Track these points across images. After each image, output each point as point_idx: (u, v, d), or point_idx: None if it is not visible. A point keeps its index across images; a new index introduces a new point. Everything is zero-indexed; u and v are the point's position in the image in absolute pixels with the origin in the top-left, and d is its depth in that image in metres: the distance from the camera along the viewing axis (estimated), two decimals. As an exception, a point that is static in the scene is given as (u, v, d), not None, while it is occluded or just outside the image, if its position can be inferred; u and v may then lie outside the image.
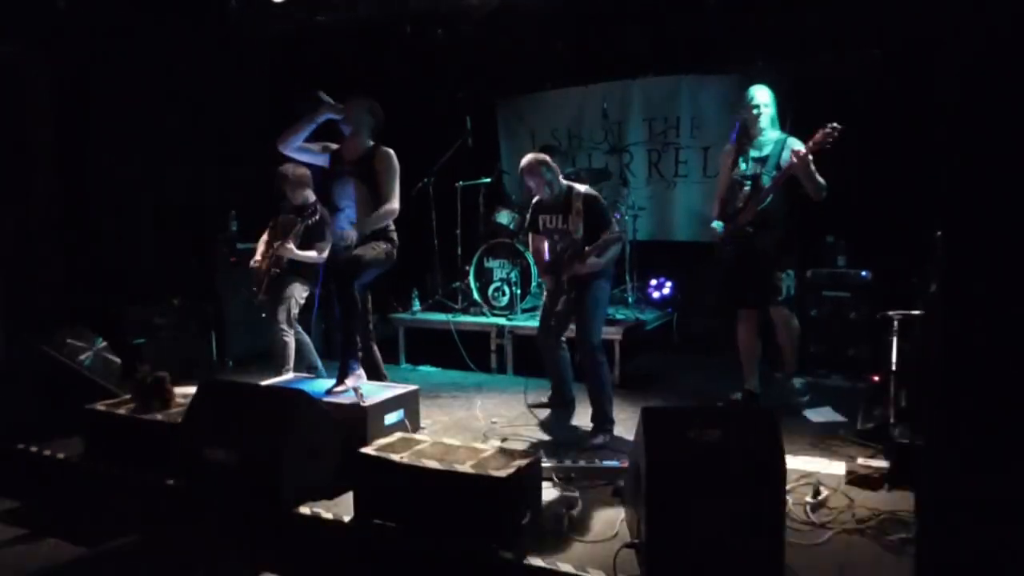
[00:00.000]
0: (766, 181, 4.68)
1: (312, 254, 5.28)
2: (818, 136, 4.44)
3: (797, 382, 5.07)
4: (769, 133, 4.79)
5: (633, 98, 7.43)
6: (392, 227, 4.70)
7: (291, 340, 5.35)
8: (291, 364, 5.33)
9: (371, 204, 4.56)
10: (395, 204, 4.59)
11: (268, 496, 3.54)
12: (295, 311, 5.40)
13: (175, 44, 6.45)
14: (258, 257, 5.47)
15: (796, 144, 4.62)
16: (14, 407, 4.78)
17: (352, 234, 4.47)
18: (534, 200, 4.90)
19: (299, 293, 5.39)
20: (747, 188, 4.78)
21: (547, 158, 4.78)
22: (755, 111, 4.76)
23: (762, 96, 4.78)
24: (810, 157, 4.48)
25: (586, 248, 4.52)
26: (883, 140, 5.99)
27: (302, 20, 6.51)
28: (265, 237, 5.53)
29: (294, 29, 6.63)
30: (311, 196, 5.41)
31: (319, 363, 5.48)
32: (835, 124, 4.38)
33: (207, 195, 6.77)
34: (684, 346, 6.71)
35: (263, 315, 5.53)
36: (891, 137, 5.90)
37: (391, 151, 4.65)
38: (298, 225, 5.25)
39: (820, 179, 4.57)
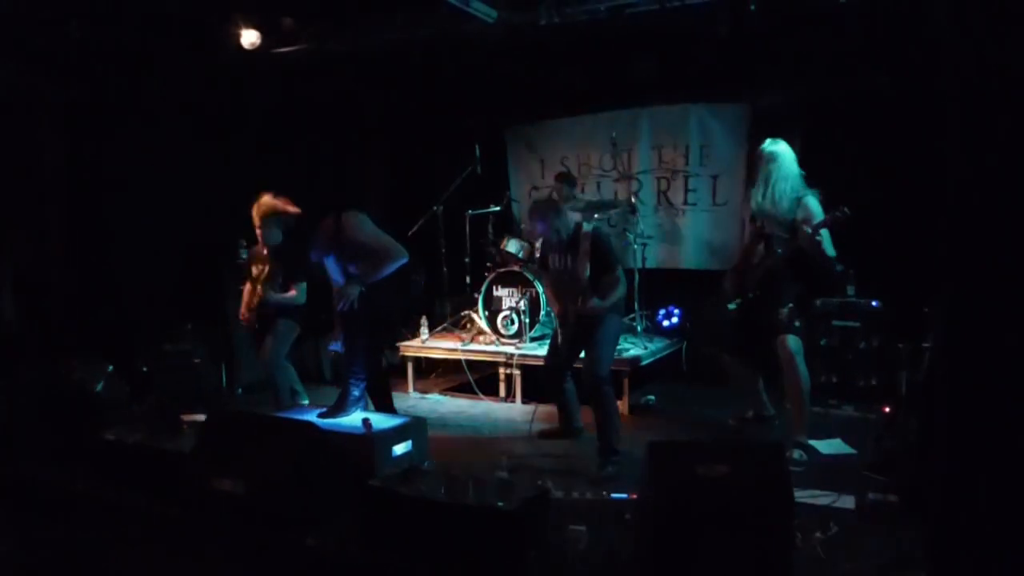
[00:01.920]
0: (778, 247, 4.62)
1: (291, 294, 5.27)
2: (827, 220, 4.35)
3: (796, 453, 4.49)
4: (786, 189, 4.62)
5: (642, 126, 7.45)
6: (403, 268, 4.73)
7: (284, 377, 5.41)
8: (288, 400, 5.39)
9: (372, 260, 4.62)
10: (387, 248, 4.62)
11: (275, 526, 3.54)
12: (285, 351, 5.43)
13: (186, 72, 6.52)
14: (244, 310, 5.46)
15: (812, 202, 4.53)
16: (24, 433, 4.80)
17: (353, 291, 4.54)
18: (542, 239, 4.92)
19: (289, 333, 5.39)
20: (761, 247, 4.74)
21: (557, 203, 4.76)
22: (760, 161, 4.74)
23: (769, 148, 4.73)
24: (818, 237, 4.37)
25: (585, 296, 4.57)
26: (893, 167, 6.00)
27: (313, 49, 6.58)
28: (247, 288, 5.51)
29: (305, 57, 6.70)
30: (279, 236, 5.29)
31: (300, 387, 5.63)
32: (845, 208, 4.29)
33: (217, 222, 6.81)
34: (693, 375, 6.68)
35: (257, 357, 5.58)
36: (901, 164, 5.90)
37: (352, 214, 4.67)
38: (274, 271, 5.28)
39: (828, 255, 4.44)
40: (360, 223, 4.65)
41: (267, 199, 5.20)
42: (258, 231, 5.30)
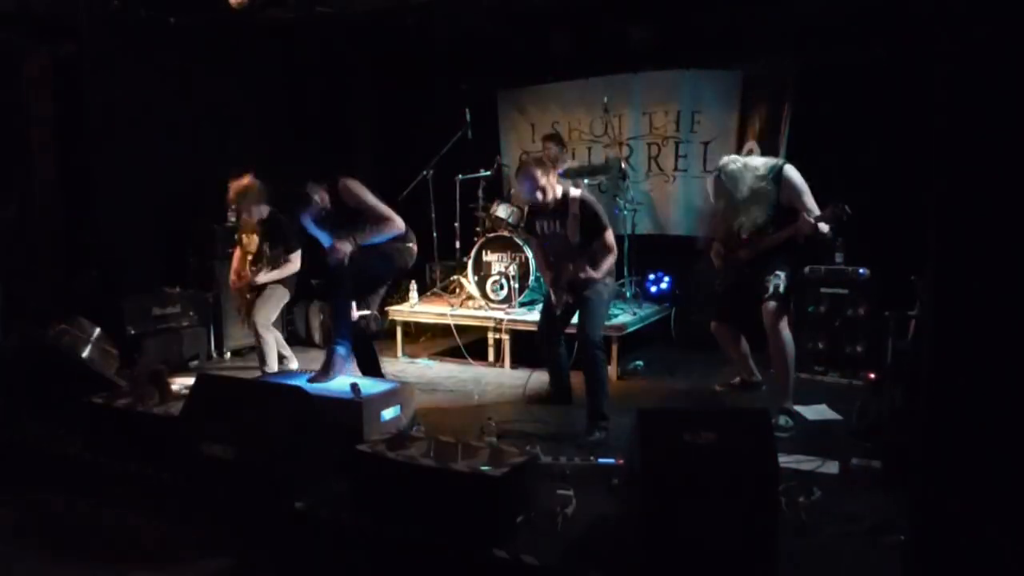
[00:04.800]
0: (770, 226, 4.59)
1: (286, 270, 5.40)
2: (827, 213, 4.34)
3: (782, 419, 4.52)
4: (760, 165, 4.59)
5: (633, 91, 7.40)
6: (399, 238, 4.73)
7: (272, 340, 5.48)
8: (275, 364, 5.43)
9: (369, 223, 4.63)
10: (388, 215, 4.63)
11: (264, 491, 3.56)
12: (274, 316, 5.50)
13: (175, 34, 6.43)
14: (234, 277, 5.59)
15: (792, 174, 4.51)
16: (12, 398, 4.79)
17: (346, 247, 4.52)
18: (529, 204, 4.90)
19: (280, 299, 5.50)
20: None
21: (542, 161, 4.72)
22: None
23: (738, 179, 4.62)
24: (821, 224, 4.37)
25: (577, 263, 4.58)
26: (883, 136, 5.99)
27: (303, 10, 6.49)
28: (237, 254, 5.59)
29: (295, 19, 6.60)
30: (265, 210, 5.41)
31: (288, 352, 5.78)
32: (846, 207, 4.27)
33: (205, 185, 6.77)
34: (681, 341, 6.72)
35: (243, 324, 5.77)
36: (892, 133, 5.90)
37: (349, 180, 4.65)
38: (264, 248, 5.40)
39: (827, 233, 4.45)
40: (361, 189, 4.64)
41: (245, 180, 5.30)
42: (243, 211, 5.37)
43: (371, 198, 4.64)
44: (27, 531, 3.65)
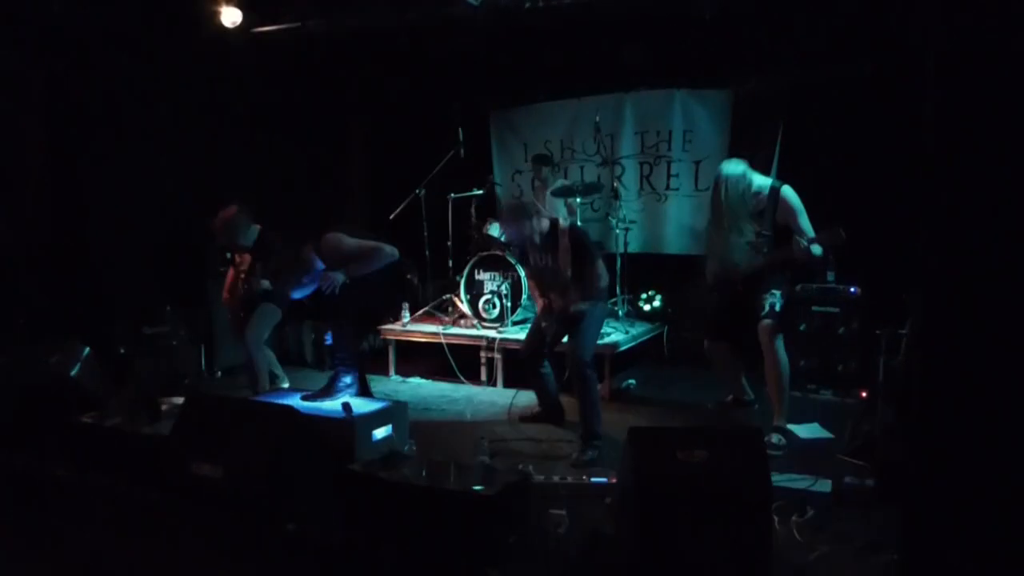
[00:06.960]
0: (764, 246, 4.58)
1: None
2: (822, 237, 4.36)
3: (775, 437, 4.53)
4: (758, 181, 4.62)
5: (626, 111, 7.44)
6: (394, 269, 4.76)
7: (263, 359, 5.46)
8: (266, 383, 5.42)
9: (358, 263, 4.68)
10: (372, 248, 4.66)
11: (255, 512, 3.53)
12: (266, 334, 5.47)
13: (170, 54, 6.44)
14: (226, 294, 5.56)
15: (789, 194, 4.52)
16: (0, 417, 4.76)
17: (338, 276, 4.57)
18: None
19: (272, 317, 5.46)
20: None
21: (527, 208, 4.75)
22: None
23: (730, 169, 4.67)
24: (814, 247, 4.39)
25: (568, 296, 4.63)
26: (874, 154, 6.03)
27: (296, 29, 6.51)
28: (231, 272, 5.58)
29: (288, 38, 6.63)
30: (253, 233, 5.39)
31: (280, 371, 5.72)
32: (841, 231, 4.28)
33: (198, 203, 6.77)
34: (674, 359, 6.71)
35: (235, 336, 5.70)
36: (882, 151, 5.93)
37: (331, 235, 4.69)
38: (257, 266, 5.37)
39: (817, 256, 4.45)
40: (339, 243, 4.69)
41: (225, 216, 5.28)
42: (232, 242, 5.37)
43: (351, 244, 4.68)
44: (17, 553, 3.61)
